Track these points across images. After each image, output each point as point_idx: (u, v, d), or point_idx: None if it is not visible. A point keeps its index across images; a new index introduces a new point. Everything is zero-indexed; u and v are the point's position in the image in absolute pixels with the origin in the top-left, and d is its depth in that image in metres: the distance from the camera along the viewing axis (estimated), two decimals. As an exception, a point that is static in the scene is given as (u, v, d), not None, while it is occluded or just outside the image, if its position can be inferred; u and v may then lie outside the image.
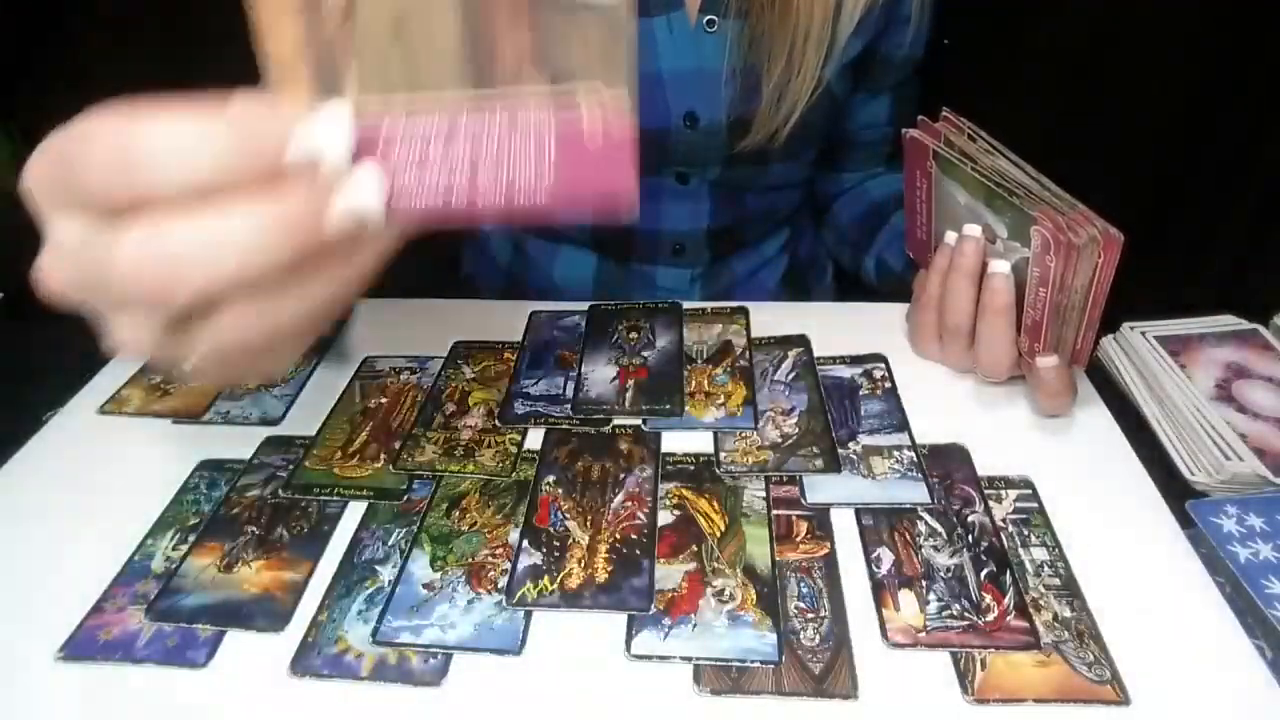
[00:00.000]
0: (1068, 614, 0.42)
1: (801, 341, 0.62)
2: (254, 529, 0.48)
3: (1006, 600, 0.43)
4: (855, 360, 0.60)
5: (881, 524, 0.47)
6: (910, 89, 0.74)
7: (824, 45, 0.61)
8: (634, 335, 0.63)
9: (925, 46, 0.68)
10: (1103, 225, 0.48)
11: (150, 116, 0.22)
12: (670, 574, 0.45)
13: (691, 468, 0.52)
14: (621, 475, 0.51)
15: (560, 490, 0.50)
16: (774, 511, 0.48)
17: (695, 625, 0.42)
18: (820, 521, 0.48)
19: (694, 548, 0.46)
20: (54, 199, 0.24)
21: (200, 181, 0.22)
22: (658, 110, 0.65)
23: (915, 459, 0.51)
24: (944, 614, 0.42)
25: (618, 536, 0.47)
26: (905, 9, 0.67)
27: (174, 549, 0.47)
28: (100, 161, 0.22)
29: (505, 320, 0.66)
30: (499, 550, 0.47)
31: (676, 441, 0.54)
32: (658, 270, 0.75)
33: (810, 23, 0.60)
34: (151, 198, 0.22)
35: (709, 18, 0.62)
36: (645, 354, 0.61)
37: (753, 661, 0.40)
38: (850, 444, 0.53)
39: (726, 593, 0.44)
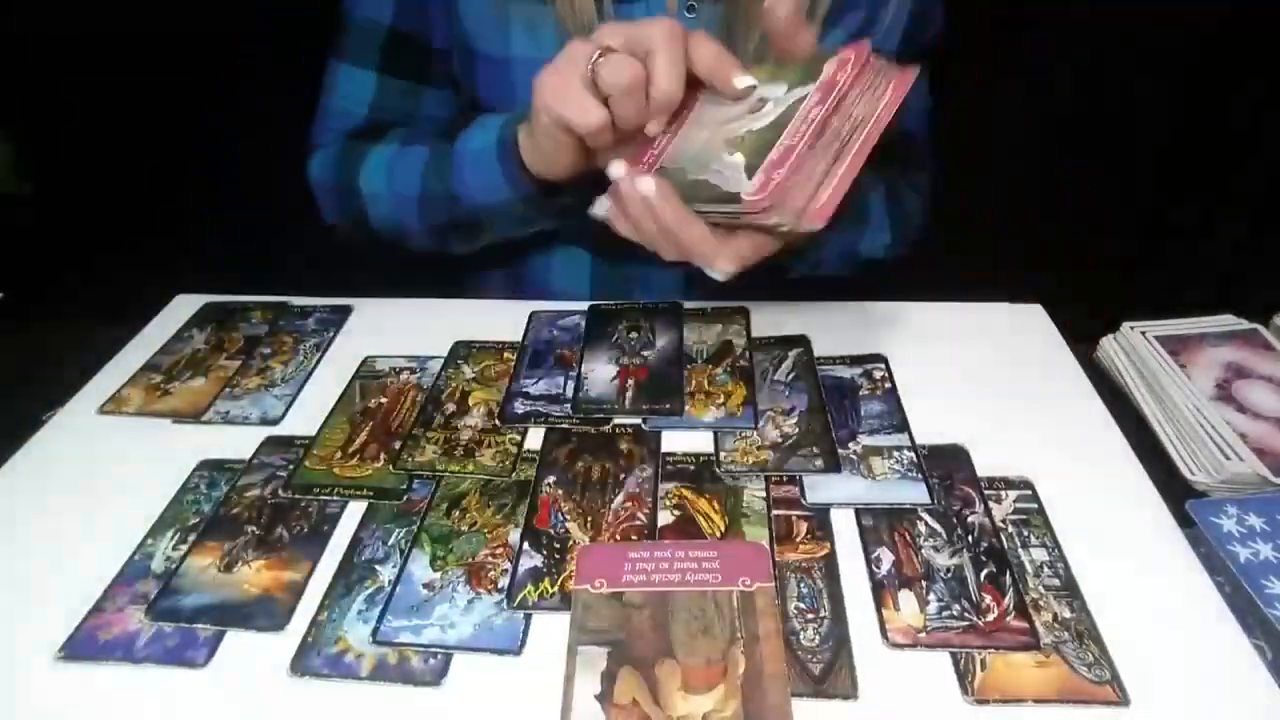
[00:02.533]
0: (1067, 614, 0.42)
1: (801, 341, 0.62)
2: (254, 529, 0.48)
3: (1006, 601, 0.43)
4: (855, 360, 0.60)
5: (881, 524, 0.47)
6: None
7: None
8: (634, 335, 0.63)
9: (906, 42, 0.67)
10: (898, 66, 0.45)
11: None
12: (670, 574, 0.45)
13: (691, 468, 0.52)
14: (622, 475, 0.51)
15: (561, 491, 0.50)
16: (774, 511, 0.48)
17: (695, 625, 0.42)
18: (820, 521, 0.48)
19: (694, 548, 0.46)
20: None
21: None
22: None
23: (915, 459, 0.51)
24: (944, 614, 0.42)
25: (618, 537, 0.47)
26: (888, 3, 0.66)
27: (174, 549, 0.47)
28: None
29: (505, 320, 0.66)
30: (499, 550, 0.47)
31: (676, 441, 0.54)
32: (653, 271, 0.75)
33: None
34: None
35: (689, 3, 0.62)
36: (645, 353, 0.61)
37: (753, 662, 0.40)
38: (850, 444, 0.53)
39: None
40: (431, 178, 0.62)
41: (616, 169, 0.48)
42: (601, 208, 0.51)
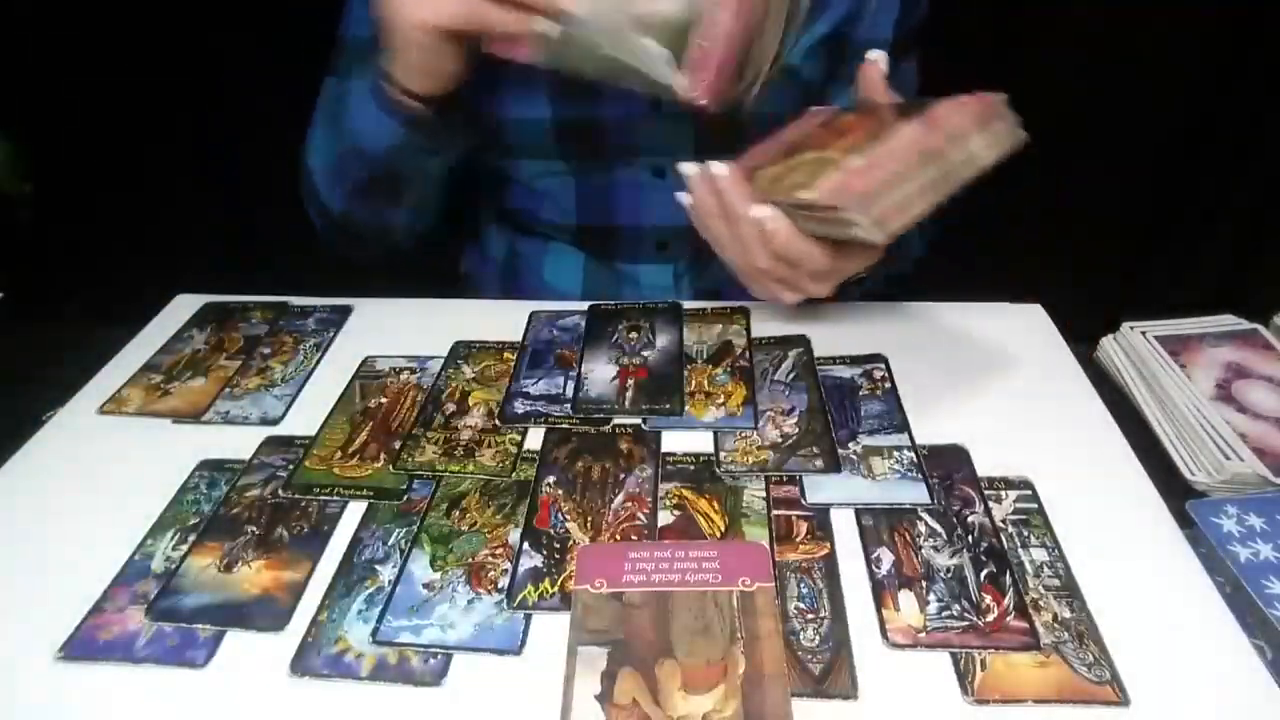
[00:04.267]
0: (1067, 615, 0.42)
1: (801, 341, 0.62)
2: (254, 529, 0.48)
3: (1006, 601, 0.43)
4: (855, 360, 0.60)
5: (881, 524, 0.47)
6: (893, 78, 0.73)
7: (785, 4, 0.60)
8: (634, 335, 0.63)
9: (898, 29, 0.67)
10: None
11: None
12: (670, 574, 0.45)
13: (691, 468, 0.52)
14: (621, 475, 0.51)
15: (561, 491, 0.50)
16: (774, 511, 0.48)
17: (695, 625, 0.42)
18: (820, 522, 0.48)
19: (694, 548, 0.46)
20: None
21: None
22: (621, 96, 0.64)
23: (915, 459, 0.51)
24: (944, 614, 0.42)
25: (618, 537, 0.47)
26: None
27: (174, 549, 0.47)
28: None
29: (505, 320, 0.66)
30: (499, 550, 0.47)
31: (676, 441, 0.54)
32: (640, 268, 0.74)
33: None
34: None
35: None
36: (645, 354, 0.61)
37: (753, 662, 0.40)
38: (850, 444, 0.53)
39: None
40: (336, 140, 0.63)
41: (688, 168, 0.51)
42: (685, 199, 0.52)
